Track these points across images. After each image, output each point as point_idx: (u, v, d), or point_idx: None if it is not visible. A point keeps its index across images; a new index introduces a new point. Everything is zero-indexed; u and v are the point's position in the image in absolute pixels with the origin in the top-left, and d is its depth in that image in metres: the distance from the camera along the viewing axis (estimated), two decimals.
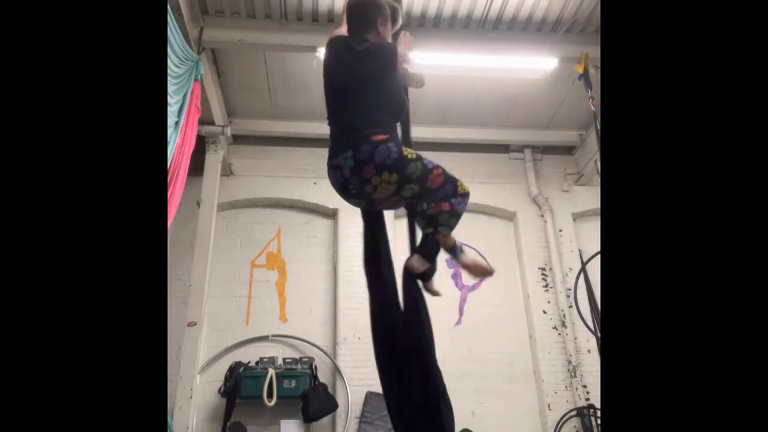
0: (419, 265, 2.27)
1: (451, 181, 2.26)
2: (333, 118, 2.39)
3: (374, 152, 2.12)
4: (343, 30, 2.57)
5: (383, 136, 2.16)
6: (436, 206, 2.26)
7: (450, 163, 6.88)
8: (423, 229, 2.33)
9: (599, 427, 5.29)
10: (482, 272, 2.45)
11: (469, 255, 2.37)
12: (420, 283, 2.31)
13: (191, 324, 4.88)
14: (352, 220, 5.60)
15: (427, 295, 2.33)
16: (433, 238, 2.27)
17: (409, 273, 2.28)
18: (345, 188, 2.22)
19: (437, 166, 2.25)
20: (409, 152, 2.21)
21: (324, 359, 5.48)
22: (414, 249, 2.38)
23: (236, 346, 5.49)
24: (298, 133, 6.27)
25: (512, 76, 5.55)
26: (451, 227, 2.27)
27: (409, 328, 2.24)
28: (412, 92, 2.74)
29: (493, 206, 6.40)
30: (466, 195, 2.29)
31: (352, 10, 2.49)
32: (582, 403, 5.49)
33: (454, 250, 2.31)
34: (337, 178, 2.23)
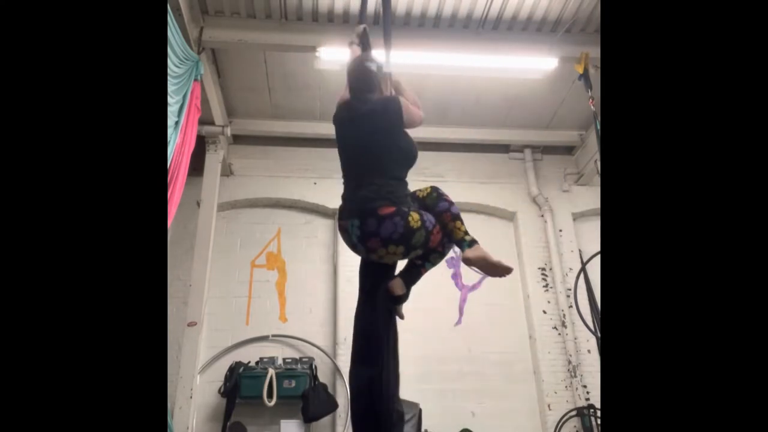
0: (399, 288, 2.46)
1: (446, 235, 2.41)
2: (346, 176, 2.50)
3: (380, 227, 2.23)
4: (347, 94, 2.71)
5: (390, 209, 2.24)
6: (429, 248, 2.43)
7: (450, 163, 6.87)
8: (412, 259, 2.50)
9: (599, 427, 5.29)
10: (495, 269, 2.36)
11: (480, 250, 2.35)
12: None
13: (191, 324, 4.88)
14: None
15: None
16: (418, 270, 2.50)
17: (386, 293, 2.45)
18: (354, 248, 2.38)
19: (435, 224, 2.35)
20: (413, 218, 2.27)
21: (324, 359, 5.48)
22: (399, 273, 2.54)
23: (236, 346, 5.48)
24: (298, 133, 6.27)
25: (512, 76, 5.55)
26: (435, 264, 2.53)
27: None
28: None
29: (493, 206, 6.40)
30: (456, 242, 2.41)
31: (351, 76, 2.68)
32: (582, 403, 5.49)
33: (462, 243, 2.36)
34: (346, 238, 2.38)
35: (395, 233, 2.21)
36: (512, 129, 6.55)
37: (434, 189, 2.48)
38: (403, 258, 2.39)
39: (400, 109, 2.49)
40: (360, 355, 2.46)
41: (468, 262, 2.32)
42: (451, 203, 2.43)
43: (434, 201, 2.42)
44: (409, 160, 2.50)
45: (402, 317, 2.57)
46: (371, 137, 2.42)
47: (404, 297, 2.51)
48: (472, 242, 2.35)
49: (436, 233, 2.34)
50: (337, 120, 2.62)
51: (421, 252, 2.37)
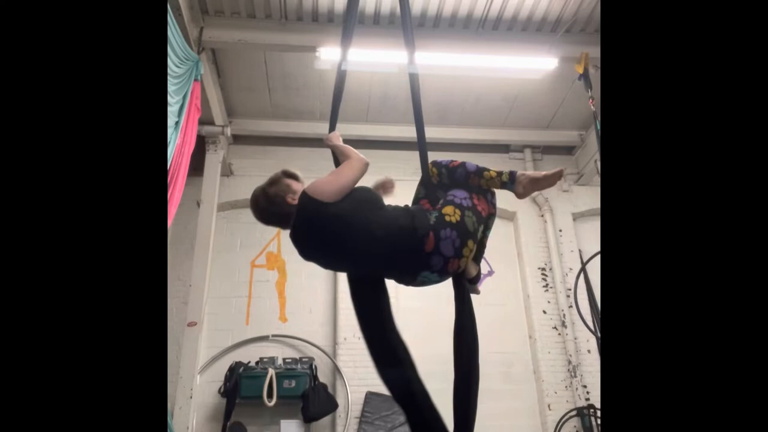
0: (473, 269, 2.36)
1: (485, 193, 2.30)
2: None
3: (441, 252, 2.03)
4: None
5: (429, 235, 2.03)
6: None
7: None
8: None
9: (599, 427, 5.29)
10: (549, 181, 2.26)
11: (524, 180, 2.26)
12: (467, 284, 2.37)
13: (191, 324, 4.88)
14: None
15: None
16: (482, 243, 2.36)
17: (461, 278, 2.31)
18: (441, 278, 2.17)
19: (470, 195, 2.20)
20: (449, 214, 2.10)
21: (324, 359, 5.48)
22: None
23: (236, 346, 5.48)
24: (298, 133, 6.27)
25: (512, 76, 5.56)
26: (492, 227, 2.37)
27: (461, 331, 2.41)
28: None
29: None
30: (501, 188, 2.33)
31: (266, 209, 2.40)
32: (582, 403, 5.49)
33: (506, 185, 2.28)
34: (428, 280, 2.15)
35: (455, 240, 2.05)
36: (512, 129, 6.56)
37: (437, 165, 2.29)
38: (480, 246, 2.30)
39: (306, 204, 2.13)
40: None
41: (523, 196, 2.28)
42: (462, 163, 2.26)
43: (449, 175, 2.26)
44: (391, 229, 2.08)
45: (478, 292, 2.50)
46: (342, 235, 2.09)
47: (480, 273, 2.46)
48: (512, 175, 2.24)
49: (479, 202, 2.20)
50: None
51: (482, 230, 2.23)
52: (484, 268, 6.06)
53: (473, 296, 2.43)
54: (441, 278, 2.15)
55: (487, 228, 2.34)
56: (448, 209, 2.12)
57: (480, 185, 2.26)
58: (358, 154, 2.28)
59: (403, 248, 2.05)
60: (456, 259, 2.07)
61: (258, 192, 2.37)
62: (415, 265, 2.07)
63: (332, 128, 2.57)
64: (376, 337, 2.19)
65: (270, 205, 2.32)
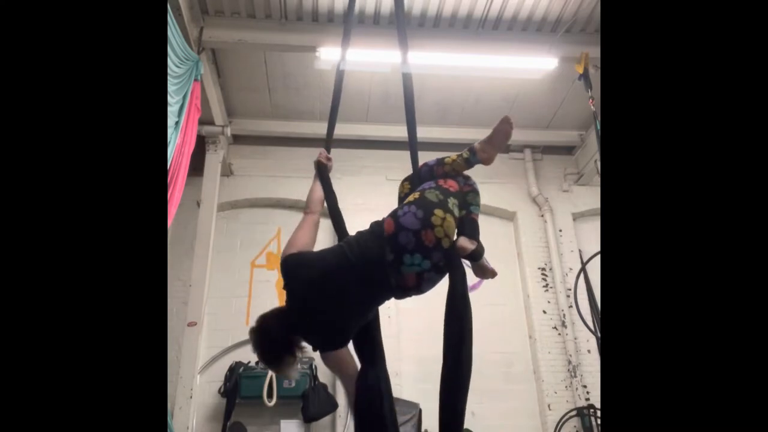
0: (468, 243, 2.15)
1: (456, 176, 2.30)
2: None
3: (406, 226, 2.01)
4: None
5: (388, 220, 2.06)
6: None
7: None
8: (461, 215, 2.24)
9: (599, 427, 5.29)
10: (498, 130, 2.36)
11: (483, 147, 2.34)
12: (471, 265, 2.22)
13: (191, 324, 4.88)
14: (352, 220, 5.61)
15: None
16: (471, 219, 2.23)
17: (454, 258, 2.13)
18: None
19: (435, 179, 2.22)
20: (409, 198, 2.12)
21: None
22: (459, 233, 2.22)
23: (236, 346, 5.47)
24: (298, 133, 6.26)
25: (512, 76, 5.55)
26: (479, 204, 2.31)
27: (450, 315, 2.19)
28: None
29: (493, 206, 6.39)
30: (468, 165, 2.32)
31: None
32: (582, 403, 5.49)
33: (470, 161, 2.30)
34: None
35: (416, 212, 2.01)
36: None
37: (406, 181, 2.39)
38: (470, 222, 2.20)
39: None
40: None
41: (490, 160, 2.31)
42: (424, 163, 2.33)
43: (416, 177, 2.31)
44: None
45: (493, 271, 2.26)
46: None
47: (480, 249, 2.19)
48: (471, 150, 2.29)
49: (445, 182, 2.17)
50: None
51: (458, 203, 2.15)
52: (475, 277, 6.02)
53: (474, 295, 2.35)
54: (426, 260, 2.00)
55: (471, 204, 2.25)
56: (409, 198, 2.14)
57: (447, 172, 2.26)
58: (311, 201, 2.45)
59: (365, 249, 2.02)
60: (427, 229, 1.98)
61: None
62: (383, 252, 1.99)
63: (330, 130, 2.62)
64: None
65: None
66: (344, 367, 2.19)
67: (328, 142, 2.64)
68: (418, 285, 2.07)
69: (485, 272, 2.25)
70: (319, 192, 2.49)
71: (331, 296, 2.03)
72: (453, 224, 2.09)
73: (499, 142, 2.32)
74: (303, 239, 2.29)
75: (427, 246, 1.99)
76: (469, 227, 2.21)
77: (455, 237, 2.12)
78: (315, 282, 2.05)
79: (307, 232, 2.34)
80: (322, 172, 2.51)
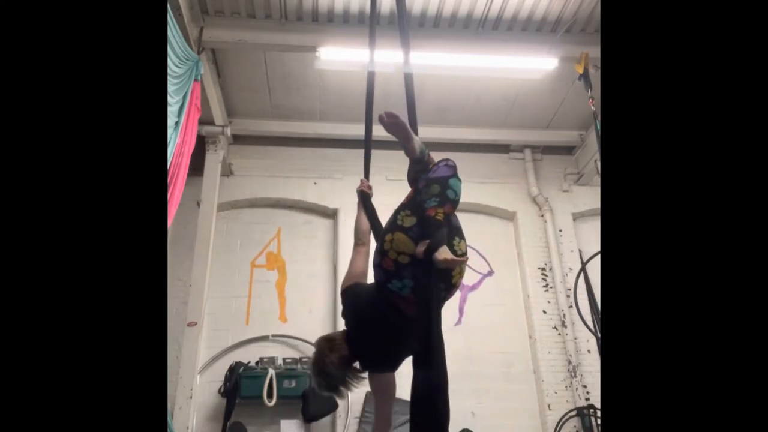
0: (420, 247, 1.98)
1: (416, 181, 2.21)
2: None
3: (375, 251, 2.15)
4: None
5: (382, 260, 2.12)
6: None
7: None
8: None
9: (599, 427, 5.29)
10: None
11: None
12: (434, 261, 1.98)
13: (191, 324, 4.88)
14: (352, 220, 5.63)
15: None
16: (423, 216, 2.04)
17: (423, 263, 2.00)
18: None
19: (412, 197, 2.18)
20: (441, 213, 2.02)
21: None
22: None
23: (236, 346, 5.48)
24: (298, 133, 6.26)
25: (512, 76, 5.56)
26: (434, 195, 2.08)
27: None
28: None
29: (493, 206, 6.40)
30: (419, 164, 2.24)
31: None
32: (582, 403, 5.49)
33: (420, 159, 2.24)
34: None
35: (377, 256, 2.13)
36: (512, 129, 6.55)
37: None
38: (418, 226, 2.06)
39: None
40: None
41: (397, 136, 2.30)
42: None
43: (410, 220, 2.12)
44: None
45: (453, 261, 2.00)
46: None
47: (432, 245, 1.96)
48: (422, 152, 2.25)
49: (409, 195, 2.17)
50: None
51: (411, 210, 2.09)
52: (483, 268, 6.09)
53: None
54: (403, 280, 2.02)
55: (424, 200, 2.05)
56: (442, 211, 2.04)
57: (411, 181, 2.26)
58: (359, 232, 2.55)
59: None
60: (384, 258, 2.08)
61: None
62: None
63: (368, 132, 2.79)
64: None
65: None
66: (387, 390, 2.46)
67: (366, 169, 2.69)
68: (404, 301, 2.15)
69: (445, 263, 1.97)
70: (365, 223, 2.57)
71: (373, 325, 2.23)
72: (402, 239, 2.05)
73: (400, 136, 2.28)
74: (357, 270, 2.48)
75: (392, 271, 2.07)
76: (420, 228, 2.05)
77: (416, 246, 2.01)
78: (361, 311, 2.29)
79: (361, 264, 2.51)
80: (366, 201, 2.58)
